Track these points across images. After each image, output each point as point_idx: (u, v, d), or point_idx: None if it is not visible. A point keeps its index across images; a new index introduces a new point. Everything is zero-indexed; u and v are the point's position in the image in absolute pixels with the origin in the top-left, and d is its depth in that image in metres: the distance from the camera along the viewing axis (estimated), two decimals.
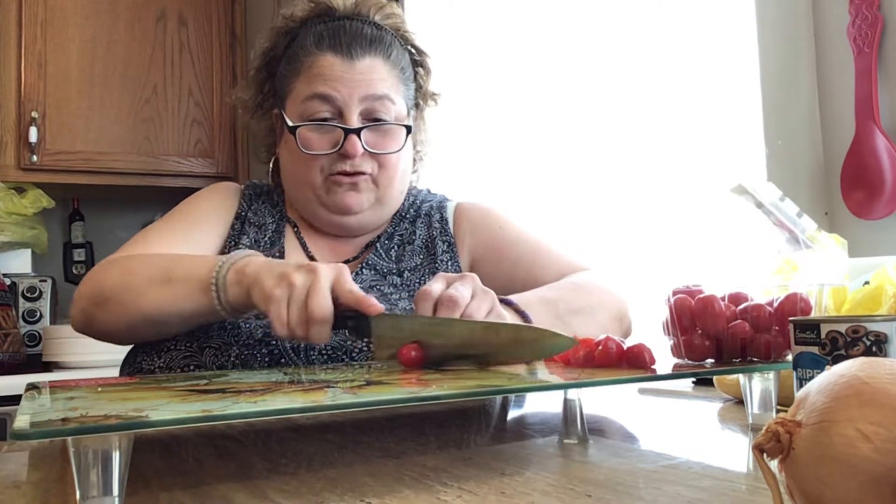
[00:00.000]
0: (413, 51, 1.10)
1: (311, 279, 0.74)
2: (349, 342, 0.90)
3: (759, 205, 0.68)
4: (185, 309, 0.84)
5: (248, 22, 2.55)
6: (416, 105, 1.12)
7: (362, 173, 1.01)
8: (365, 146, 0.99)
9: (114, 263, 0.92)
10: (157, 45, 2.41)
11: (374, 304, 0.74)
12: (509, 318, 0.83)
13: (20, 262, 2.31)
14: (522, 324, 0.77)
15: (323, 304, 0.73)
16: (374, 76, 1.01)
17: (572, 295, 0.95)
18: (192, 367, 0.88)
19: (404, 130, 1.04)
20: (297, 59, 1.03)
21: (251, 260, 0.82)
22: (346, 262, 1.07)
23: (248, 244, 1.03)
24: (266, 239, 1.05)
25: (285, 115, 1.03)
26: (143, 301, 0.85)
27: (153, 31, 2.42)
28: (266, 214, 1.08)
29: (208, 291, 0.82)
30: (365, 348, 0.90)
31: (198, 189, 1.12)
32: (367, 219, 1.05)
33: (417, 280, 1.03)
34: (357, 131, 0.99)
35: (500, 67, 1.76)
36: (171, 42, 2.44)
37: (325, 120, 1.00)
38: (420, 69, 1.11)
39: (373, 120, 1.01)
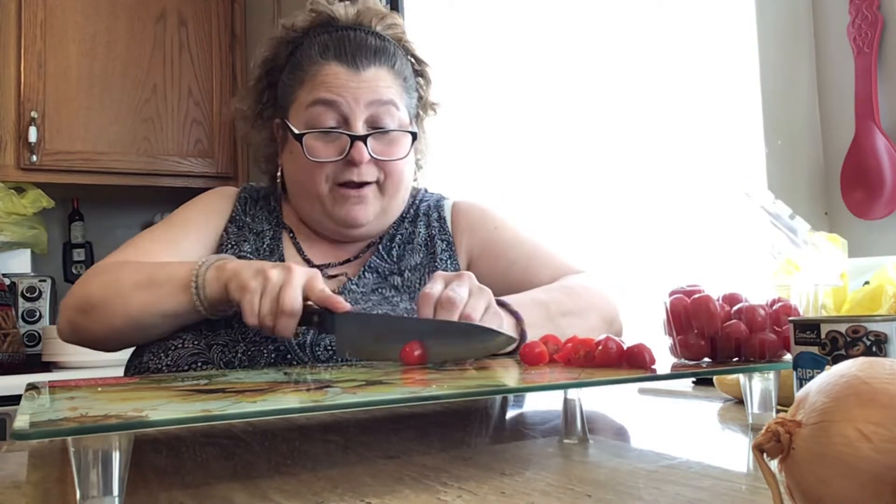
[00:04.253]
0: (414, 61, 1.11)
1: (286, 276, 0.80)
2: None
3: (757, 206, 0.69)
4: (167, 309, 0.89)
5: (248, 22, 2.55)
6: (417, 115, 1.12)
7: (368, 183, 1.01)
8: (371, 153, 0.99)
9: (100, 273, 0.96)
10: (156, 45, 2.41)
11: (341, 301, 0.80)
12: (504, 317, 0.85)
13: (20, 262, 2.30)
14: (472, 323, 0.78)
15: (294, 298, 0.79)
16: (380, 84, 1.01)
17: (564, 297, 0.96)
18: (199, 364, 0.89)
19: (409, 137, 1.03)
20: (301, 69, 1.03)
21: (230, 259, 0.89)
22: (346, 262, 1.07)
23: (249, 251, 1.03)
24: (265, 246, 1.05)
25: (289, 124, 1.03)
26: (129, 305, 0.90)
27: (153, 31, 2.41)
28: (263, 221, 1.08)
29: (188, 290, 0.87)
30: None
31: (197, 189, 1.13)
32: (372, 228, 1.06)
33: (418, 279, 1.04)
34: (364, 138, 0.99)
35: (500, 70, 1.76)
36: (170, 42, 2.43)
37: (331, 128, 1.00)
38: (420, 79, 1.12)
39: (378, 128, 1.01)
